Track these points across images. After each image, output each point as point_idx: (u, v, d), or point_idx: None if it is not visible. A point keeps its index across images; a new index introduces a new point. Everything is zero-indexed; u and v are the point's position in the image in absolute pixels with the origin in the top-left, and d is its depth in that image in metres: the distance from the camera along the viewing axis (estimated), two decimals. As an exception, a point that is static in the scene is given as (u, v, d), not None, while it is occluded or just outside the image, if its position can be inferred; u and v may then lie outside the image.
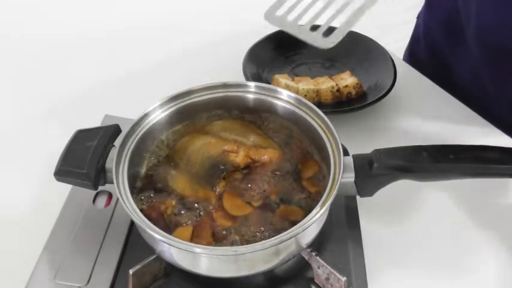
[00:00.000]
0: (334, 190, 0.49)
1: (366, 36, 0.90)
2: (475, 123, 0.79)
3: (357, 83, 0.79)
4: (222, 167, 0.54)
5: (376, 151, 0.53)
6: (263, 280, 0.54)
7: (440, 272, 0.58)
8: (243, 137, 0.58)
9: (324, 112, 0.56)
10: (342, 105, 0.78)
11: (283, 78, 0.79)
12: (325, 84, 0.79)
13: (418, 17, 0.95)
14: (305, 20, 0.53)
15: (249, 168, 0.56)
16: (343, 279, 0.50)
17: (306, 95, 0.76)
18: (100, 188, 0.54)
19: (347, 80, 0.79)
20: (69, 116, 0.74)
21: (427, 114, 0.78)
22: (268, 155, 0.56)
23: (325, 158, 0.54)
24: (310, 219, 0.46)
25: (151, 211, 0.52)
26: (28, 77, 0.83)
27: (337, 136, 0.53)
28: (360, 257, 0.57)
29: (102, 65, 0.87)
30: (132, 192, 0.51)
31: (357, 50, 0.87)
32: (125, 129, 0.55)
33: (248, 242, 0.49)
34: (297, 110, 0.58)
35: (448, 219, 0.64)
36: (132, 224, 0.58)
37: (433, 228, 0.63)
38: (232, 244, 0.49)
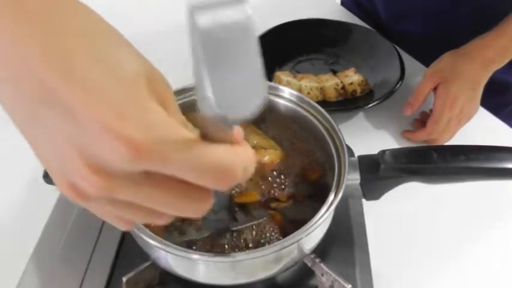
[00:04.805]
0: (338, 193, 0.48)
1: (372, 31, 0.90)
2: (486, 122, 0.79)
3: (363, 80, 0.79)
4: None
5: (383, 152, 0.52)
6: (263, 288, 0.55)
7: (452, 280, 0.58)
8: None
9: (327, 111, 0.56)
10: (346, 104, 0.78)
11: (284, 75, 0.79)
12: (329, 81, 0.79)
13: None
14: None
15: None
16: (349, 287, 0.50)
17: (308, 93, 0.76)
18: (92, 191, 0.54)
19: (352, 77, 0.80)
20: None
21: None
22: (268, 156, 0.56)
23: (329, 159, 0.54)
24: (314, 224, 0.46)
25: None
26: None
27: (341, 136, 0.53)
28: (366, 264, 0.57)
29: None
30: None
31: (362, 45, 0.87)
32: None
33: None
34: (299, 109, 0.58)
35: (459, 223, 0.64)
36: (126, 229, 0.58)
37: (444, 233, 0.63)
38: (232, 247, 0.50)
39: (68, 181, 0.26)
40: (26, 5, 0.25)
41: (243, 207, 0.53)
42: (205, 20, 0.21)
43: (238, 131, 0.27)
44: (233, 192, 0.54)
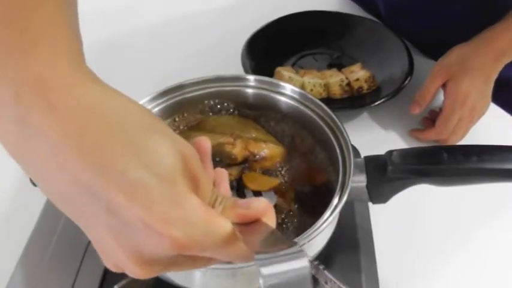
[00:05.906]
0: (343, 196, 0.48)
1: (379, 23, 0.89)
2: (500, 121, 0.78)
3: (369, 76, 0.79)
4: (217, 160, 0.53)
5: (391, 152, 0.52)
6: (263, 297, 0.54)
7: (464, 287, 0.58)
8: (241, 132, 0.57)
9: (332, 109, 0.55)
10: (352, 101, 0.77)
11: (286, 71, 0.78)
12: (333, 77, 0.78)
13: None
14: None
15: (248, 163, 0.55)
16: (354, 296, 0.50)
17: (312, 90, 0.76)
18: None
19: (358, 73, 0.79)
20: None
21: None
22: (268, 150, 0.55)
23: (334, 160, 0.53)
24: (317, 229, 0.45)
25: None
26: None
27: (346, 136, 0.53)
28: (372, 271, 0.56)
29: (90, 56, 0.87)
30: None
31: (368, 39, 0.86)
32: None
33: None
34: (301, 107, 0.58)
35: (474, 231, 0.63)
36: (118, 233, 0.57)
37: (456, 238, 0.62)
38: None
39: (113, 262, 0.30)
40: (55, 102, 0.27)
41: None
42: (268, 271, 0.26)
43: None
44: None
